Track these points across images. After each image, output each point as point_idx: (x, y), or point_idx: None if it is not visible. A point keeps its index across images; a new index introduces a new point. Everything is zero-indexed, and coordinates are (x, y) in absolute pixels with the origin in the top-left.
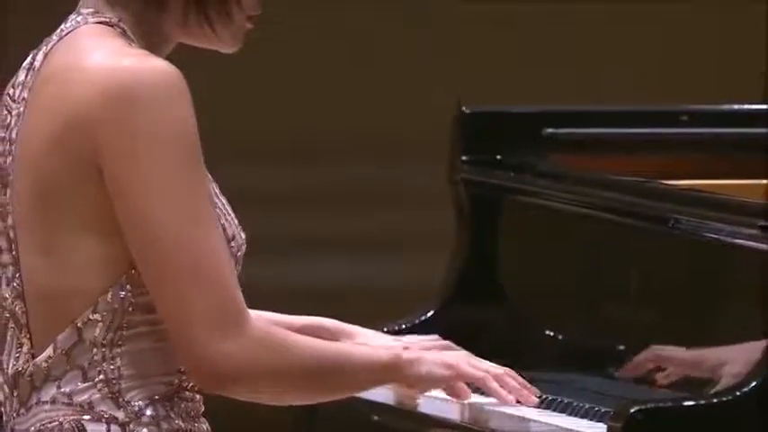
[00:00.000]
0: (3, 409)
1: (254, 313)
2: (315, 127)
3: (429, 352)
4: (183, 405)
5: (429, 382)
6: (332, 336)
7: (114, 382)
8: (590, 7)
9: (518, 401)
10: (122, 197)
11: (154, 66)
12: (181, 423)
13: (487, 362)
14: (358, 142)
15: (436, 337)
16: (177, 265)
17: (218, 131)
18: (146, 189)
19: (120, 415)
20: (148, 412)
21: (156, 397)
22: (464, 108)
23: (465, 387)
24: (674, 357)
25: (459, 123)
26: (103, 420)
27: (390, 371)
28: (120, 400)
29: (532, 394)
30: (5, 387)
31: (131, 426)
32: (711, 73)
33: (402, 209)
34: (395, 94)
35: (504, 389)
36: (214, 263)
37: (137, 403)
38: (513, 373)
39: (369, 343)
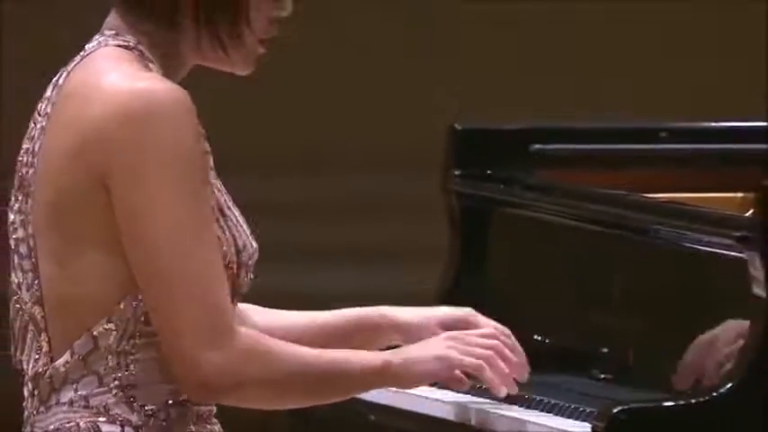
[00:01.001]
0: (25, 405)
1: (282, 315)
2: (319, 139)
3: (419, 344)
4: (194, 408)
5: (424, 379)
6: (387, 321)
7: (128, 387)
8: (590, 6)
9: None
10: (126, 214)
11: (163, 90)
12: (192, 426)
13: (483, 327)
14: (361, 154)
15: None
16: (170, 278)
17: (228, 145)
18: (149, 208)
19: (134, 418)
20: (161, 416)
21: (169, 401)
22: (456, 125)
23: (461, 376)
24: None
25: (452, 139)
26: (118, 423)
27: (383, 376)
28: (134, 404)
29: (524, 372)
30: (29, 383)
31: (144, 429)
32: (713, 74)
33: (402, 219)
34: (397, 107)
35: (497, 368)
36: (206, 278)
37: (150, 407)
38: (507, 332)
39: (417, 314)
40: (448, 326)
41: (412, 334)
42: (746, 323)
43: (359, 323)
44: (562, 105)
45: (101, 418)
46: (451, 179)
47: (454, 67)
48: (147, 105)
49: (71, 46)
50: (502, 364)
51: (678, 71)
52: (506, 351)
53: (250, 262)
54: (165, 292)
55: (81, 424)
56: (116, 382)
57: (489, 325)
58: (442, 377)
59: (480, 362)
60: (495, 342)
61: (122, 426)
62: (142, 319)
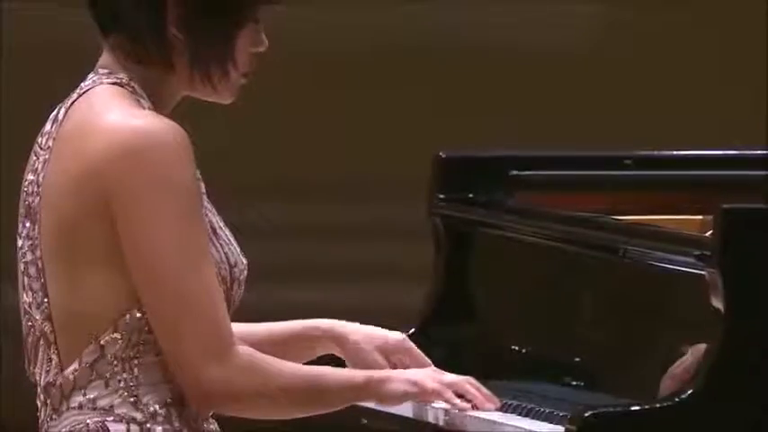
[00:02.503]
0: (39, 415)
1: (251, 326)
2: (313, 169)
3: (397, 371)
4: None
5: (398, 398)
6: (323, 332)
7: (133, 388)
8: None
9: (475, 407)
10: (129, 240)
11: (159, 126)
12: (192, 423)
13: (450, 374)
14: (350, 182)
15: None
16: (174, 300)
17: (225, 174)
18: (150, 235)
19: (138, 416)
20: (163, 413)
21: (169, 400)
22: (441, 153)
23: (431, 397)
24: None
25: (436, 166)
26: (124, 421)
27: (364, 390)
28: (138, 403)
29: (489, 401)
30: (42, 396)
31: (148, 425)
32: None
33: (388, 240)
34: (386, 136)
35: (466, 396)
36: (206, 299)
37: (153, 406)
38: (472, 380)
39: (359, 338)
40: (384, 348)
41: (349, 346)
42: (706, 334)
43: (300, 334)
44: (525, 151)
45: (108, 418)
46: (436, 203)
47: (441, 100)
48: (144, 141)
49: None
50: (474, 391)
51: (680, 72)
52: (475, 384)
53: (241, 277)
54: (170, 313)
55: (90, 424)
56: (121, 384)
57: (420, 355)
58: (414, 398)
59: (445, 389)
60: (467, 378)
61: (128, 423)
62: (146, 329)
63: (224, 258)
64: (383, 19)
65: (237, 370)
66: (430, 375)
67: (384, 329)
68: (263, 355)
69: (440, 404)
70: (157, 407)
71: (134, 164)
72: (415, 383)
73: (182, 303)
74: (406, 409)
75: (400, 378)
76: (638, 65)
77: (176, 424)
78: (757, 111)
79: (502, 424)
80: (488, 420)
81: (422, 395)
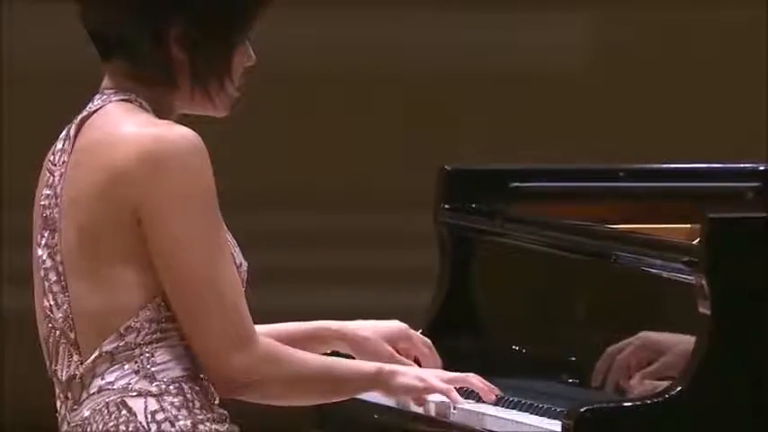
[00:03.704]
0: (58, 414)
1: (268, 327)
2: (325, 178)
3: (407, 367)
4: (203, 384)
5: (405, 391)
6: (333, 332)
7: (148, 366)
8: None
9: (480, 400)
10: (156, 241)
11: (178, 133)
12: (203, 398)
13: (452, 372)
14: (361, 191)
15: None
16: (200, 295)
17: (234, 182)
18: (173, 235)
19: (154, 389)
20: (175, 387)
21: (182, 376)
22: (446, 166)
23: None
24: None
25: (442, 178)
26: (141, 395)
27: (374, 381)
28: (153, 380)
29: (493, 393)
30: (62, 395)
31: (164, 396)
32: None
33: (396, 247)
34: (396, 150)
35: (473, 389)
36: (229, 292)
37: (166, 383)
38: (476, 376)
39: (365, 330)
40: (390, 337)
41: (358, 341)
42: (693, 336)
43: (312, 334)
44: (524, 164)
45: (126, 395)
46: (442, 212)
47: (445, 116)
48: (164, 148)
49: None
50: (478, 384)
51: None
52: (478, 378)
53: (244, 277)
54: (197, 307)
55: (110, 403)
56: (137, 366)
57: (420, 338)
58: (419, 392)
59: (449, 387)
60: (471, 374)
61: (145, 396)
62: (163, 319)
63: (231, 259)
64: (385, 37)
65: (260, 358)
66: (436, 374)
67: (385, 321)
68: (283, 345)
69: (441, 398)
70: (170, 383)
71: (156, 170)
72: (422, 379)
73: (208, 298)
74: (417, 406)
75: (409, 373)
76: (630, 85)
77: (189, 395)
78: (747, 126)
79: (502, 419)
80: (491, 415)
81: (427, 391)
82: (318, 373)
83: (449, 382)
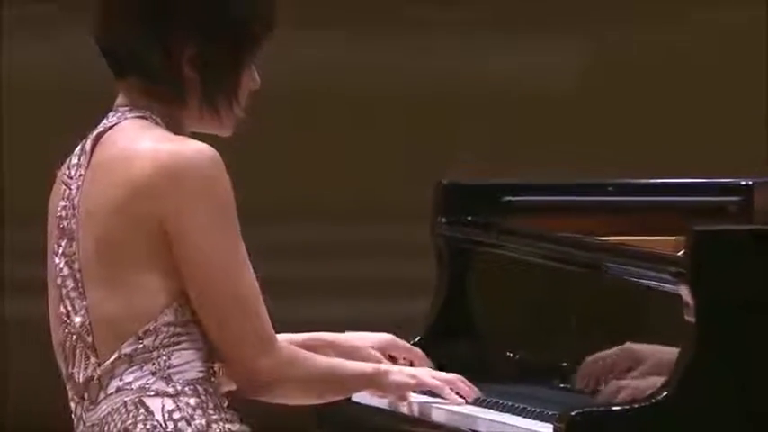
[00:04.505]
0: (73, 416)
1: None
2: (329, 192)
3: (400, 366)
4: (215, 385)
5: (399, 388)
6: (325, 342)
7: (165, 368)
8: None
9: (462, 398)
10: (180, 251)
11: (194, 148)
12: (215, 399)
13: (443, 372)
14: (362, 205)
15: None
16: (225, 302)
17: (241, 196)
18: (196, 244)
19: (170, 390)
20: (191, 389)
21: (196, 378)
22: (443, 180)
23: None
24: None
25: (439, 192)
26: (158, 395)
27: (372, 379)
28: (169, 381)
29: (473, 393)
30: (76, 396)
31: (180, 396)
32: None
33: (396, 258)
34: (396, 165)
35: (455, 390)
36: (252, 298)
37: (181, 384)
38: (461, 378)
39: (355, 340)
40: (379, 346)
41: (347, 352)
42: (676, 345)
43: (303, 343)
44: (517, 179)
45: (143, 395)
46: (439, 224)
47: (444, 133)
48: (182, 161)
49: None
50: (462, 385)
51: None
52: (463, 380)
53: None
54: (222, 313)
55: (128, 402)
56: (154, 367)
57: (407, 347)
58: (413, 389)
59: (441, 383)
60: (457, 375)
61: (162, 396)
62: (180, 324)
63: (250, 266)
64: (387, 58)
65: (283, 361)
66: (429, 372)
67: (375, 333)
68: (298, 348)
69: (424, 398)
70: (186, 384)
71: (175, 183)
72: (414, 377)
73: (232, 304)
74: (410, 408)
75: (402, 371)
76: (617, 106)
77: (203, 397)
78: (748, 127)
79: (496, 422)
80: (484, 418)
81: (420, 386)
82: (326, 374)
83: (441, 380)
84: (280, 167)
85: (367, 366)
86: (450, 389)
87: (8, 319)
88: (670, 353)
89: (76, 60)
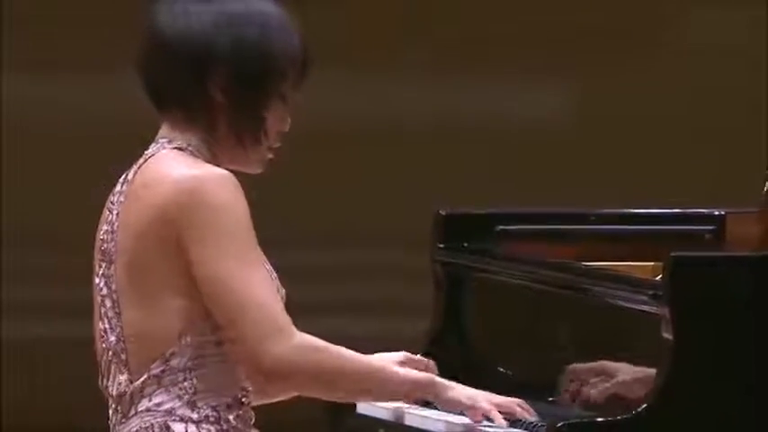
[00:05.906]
0: (110, 421)
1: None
2: (336, 220)
3: (457, 383)
4: (241, 412)
5: (453, 404)
6: None
7: (192, 393)
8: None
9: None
10: (198, 265)
11: (215, 173)
12: (240, 425)
13: (501, 396)
14: (362, 232)
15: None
16: (235, 298)
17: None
18: (212, 255)
19: (195, 416)
20: (215, 415)
21: (222, 405)
22: (441, 211)
23: (479, 415)
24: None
25: (437, 221)
26: (183, 421)
27: (426, 389)
28: (195, 407)
29: (532, 416)
30: (113, 404)
31: (203, 424)
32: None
33: (396, 282)
34: (396, 194)
35: (515, 416)
36: (260, 292)
37: (206, 410)
38: (521, 402)
39: (376, 360)
40: (393, 360)
41: None
42: (657, 360)
43: None
44: (510, 209)
45: (169, 419)
46: (437, 251)
47: (441, 165)
48: (203, 185)
49: None
50: (520, 411)
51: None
52: (522, 403)
53: (284, 300)
54: (232, 308)
55: (155, 425)
56: (181, 392)
57: (421, 360)
58: (466, 409)
59: (494, 409)
60: (516, 399)
61: (186, 423)
62: (205, 344)
63: (264, 270)
64: (390, 98)
65: (294, 348)
66: (485, 396)
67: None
68: (324, 341)
69: (481, 420)
70: (210, 410)
71: (196, 205)
72: (471, 398)
73: (241, 299)
74: (412, 420)
75: (461, 390)
76: (591, 140)
77: (225, 426)
78: (748, 127)
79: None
80: (479, 429)
81: (472, 410)
82: (365, 371)
83: (495, 404)
84: (283, 194)
85: (421, 374)
86: (505, 413)
87: (2, 341)
88: (642, 372)
89: (74, 103)
